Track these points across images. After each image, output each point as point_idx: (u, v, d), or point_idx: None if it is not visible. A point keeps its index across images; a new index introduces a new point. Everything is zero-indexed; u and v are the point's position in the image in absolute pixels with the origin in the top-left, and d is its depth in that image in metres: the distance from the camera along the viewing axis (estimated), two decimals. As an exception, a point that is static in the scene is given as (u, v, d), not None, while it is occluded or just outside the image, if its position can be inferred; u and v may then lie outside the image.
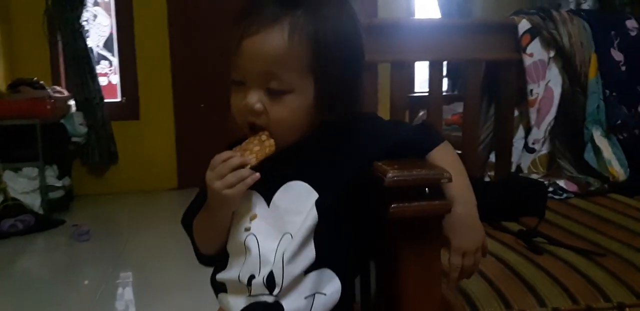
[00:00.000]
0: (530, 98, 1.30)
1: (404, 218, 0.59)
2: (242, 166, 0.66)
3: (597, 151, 1.24)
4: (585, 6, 2.35)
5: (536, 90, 1.29)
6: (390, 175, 0.57)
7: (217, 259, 0.73)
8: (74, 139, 3.04)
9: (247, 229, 0.69)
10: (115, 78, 3.44)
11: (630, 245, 0.95)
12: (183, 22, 3.28)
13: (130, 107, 3.32)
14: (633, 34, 1.28)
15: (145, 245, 2.41)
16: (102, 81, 3.32)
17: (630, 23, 1.29)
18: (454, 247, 0.65)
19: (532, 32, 1.25)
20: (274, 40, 0.64)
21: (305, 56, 0.65)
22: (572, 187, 1.24)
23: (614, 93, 1.24)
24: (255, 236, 0.68)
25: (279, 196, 0.69)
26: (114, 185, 3.27)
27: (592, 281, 0.82)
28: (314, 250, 0.66)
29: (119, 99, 3.38)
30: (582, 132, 1.26)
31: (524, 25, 1.25)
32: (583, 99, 1.26)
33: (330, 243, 0.66)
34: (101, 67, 3.40)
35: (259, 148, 0.68)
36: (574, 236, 1.01)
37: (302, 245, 0.65)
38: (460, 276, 0.68)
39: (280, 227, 0.68)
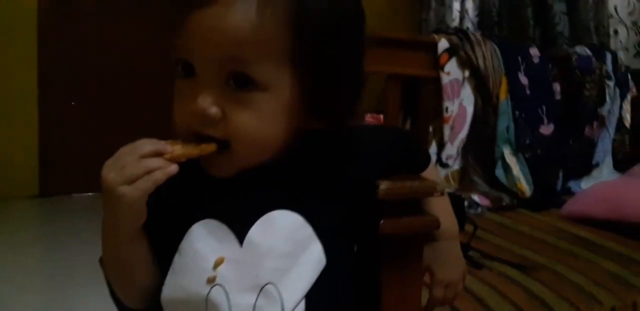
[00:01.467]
0: (445, 115, 1.33)
1: (393, 235, 0.53)
2: (157, 156, 0.46)
3: (506, 168, 1.31)
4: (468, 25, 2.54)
5: (451, 107, 1.33)
6: (383, 186, 0.51)
7: None
8: None
9: (211, 280, 0.48)
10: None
11: (555, 258, 0.98)
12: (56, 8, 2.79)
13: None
14: (536, 61, 1.37)
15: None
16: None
17: (533, 51, 1.39)
18: (437, 279, 0.59)
19: (450, 52, 1.29)
20: (237, 11, 0.45)
21: (282, 39, 0.46)
22: (485, 202, 1.28)
23: (522, 115, 1.31)
24: (223, 288, 0.48)
25: (257, 231, 0.49)
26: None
27: (534, 295, 0.84)
28: (304, 306, 0.48)
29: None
30: (493, 149, 1.31)
31: (443, 44, 1.28)
32: (494, 119, 1.32)
33: (331, 299, 0.50)
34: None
35: (195, 144, 0.48)
36: (501, 250, 1.03)
37: (292, 300, 0.48)
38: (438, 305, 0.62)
39: (259, 274, 0.48)
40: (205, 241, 0.50)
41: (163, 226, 0.51)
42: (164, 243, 0.52)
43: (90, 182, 2.77)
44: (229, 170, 0.50)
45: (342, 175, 0.53)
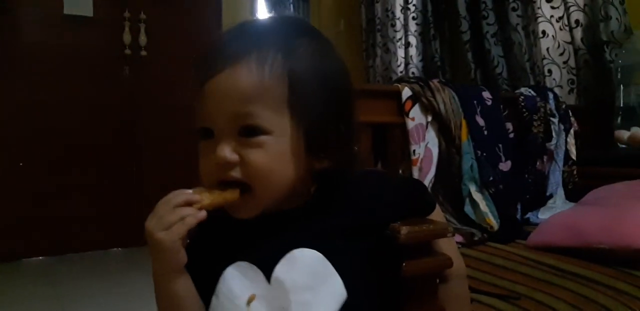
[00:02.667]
0: (413, 157, 1.41)
1: (414, 275, 0.58)
2: (188, 205, 0.56)
3: (474, 205, 1.39)
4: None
5: (418, 150, 1.41)
6: (404, 231, 0.56)
7: None
8: None
9: None
10: None
11: (532, 287, 1.05)
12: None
13: None
14: (489, 103, 1.50)
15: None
16: None
17: (486, 94, 1.51)
18: None
19: (413, 99, 1.39)
20: (242, 74, 0.56)
21: (280, 90, 0.56)
22: (459, 238, 1.35)
23: (484, 154, 1.41)
24: None
25: (282, 268, 0.57)
26: None
27: (524, 324, 0.90)
28: None
29: None
30: (460, 188, 1.40)
31: (406, 92, 1.38)
32: (458, 159, 1.41)
33: None
34: None
35: (219, 191, 0.57)
36: (482, 283, 1.09)
37: None
38: None
39: (286, 307, 0.55)
40: (238, 281, 0.57)
41: (201, 271, 0.59)
42: (204, 286, 0.59)
43: (40, 245, 2.66)
44: (252, 210, 0.59)
45: (361, 213, 0.61)
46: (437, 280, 0.61)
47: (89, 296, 2.08)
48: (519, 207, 1.59)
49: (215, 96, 0.56)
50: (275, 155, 0.56)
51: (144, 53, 2.86)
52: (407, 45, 2.79)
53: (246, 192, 0.57)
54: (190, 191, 0.57)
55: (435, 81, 1.43)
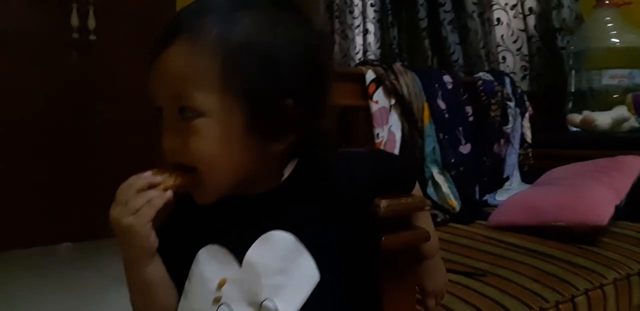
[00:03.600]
0: (377, 141, 1.42)
1: (393, 249, 0.58)
2: (151, 187, 0.54)
3: (436, 186, 1.41)
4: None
5: (381, 133, 1.42)
6: (384, 204, 0.56)
7: None
8: None
9: (217, 300, 0.55)
10: None
11: (496, 264, 1.08)
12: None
13: None
14: (449, 87, 1.52)
15: None
16: None
17: (447, 78, 1.53)
18: (428, 291, 0.67)
19: (377, 82, 1.39)
20: (173, 55, 0.54)
21: (212, 69, 0.53)
22: (422, 220, 1.37)
23: (446, 136, 1.43)
24: (228, 306, 0.54)
25: (255, 251, 0.55)
26: None
27: (490, 297, 0.92)
28: None
29: None
30: (423, 170, 1.42)
31: (370, 75, 1.38)
32: (421, 142, 1.43)
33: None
34: None
35: (179, 172, 0.55)
36: (448, 261, 1.11)
37: None
38: None
39: (257, 291, 0.54)
40: (209, 265, 0.56)
41: (174, 255, 0.58)
42: (177, 270, 0.58)
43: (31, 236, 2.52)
44: (208, 196, 0.57)
45: (335, 197, 0.58)
46: (415, 253, 0.62)
47: (38, 293, 1.99)
48: (477, 189, 1.62)
49: (157, 77, 0.55)
50: (214, 140, 0.54)
51: (93, 37, 2.74)
52: (366, 32, 2.80)
53: (198, 177, 0.55)
54: (149, 173, 0.55)
55: (398, 64, 1.43)
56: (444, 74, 1.53)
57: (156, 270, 0.56)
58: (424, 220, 0.65)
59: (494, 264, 1.09)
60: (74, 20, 2.69)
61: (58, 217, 2.65)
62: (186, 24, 0.54)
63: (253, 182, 0.58)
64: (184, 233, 0.59)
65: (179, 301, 0.58)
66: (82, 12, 2.71)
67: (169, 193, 0.53)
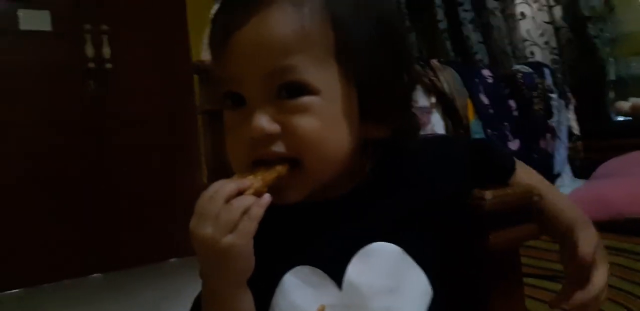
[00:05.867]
0: (420, 143, 1.34)
1: (500, 249, 0.50)
2: (240, 194, 0.43)
3: (490, 186, 1.32)
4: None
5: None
6: (489, 195, 0.48)
7: None
8: None
9: None
10: None
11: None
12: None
13: None
14: (490, 81, 1.43)
15: None
16: None
17: (486, 72, 1.45)
18: (584, 253, 0.51)
19: (415, 80, 1.31)
20: (277, 19, 0.44)
21: (325, 37, 0.45)
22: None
23: (494, 133, 1.34)
24: None
25: (356, 270, 0.46)
26: None
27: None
28: None
29: None
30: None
31: (407, 73, 1.31)
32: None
33: None
34: None
35: (266, 172, 0.45)
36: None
37: None
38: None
39: None
40: (301, 291, 0.46)
41: (252, 283, 0.46)
42: (255, 300, 0.46)
43: (13, 277, 2.47)
44: (302, 190, 0.47)
45: (426, 192, 0.49)
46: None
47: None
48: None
49: (244, 50, 0.45)
50: (327, 121, 0.45)
51: (109, 65, 2.72)
52: (382, 39, 2.74)
53: (294, 168, 0.46)
54: (235, 179, 0.45)
55: (435, 60, 1.36)
56: (482, 68, 1.46)
57: (248, 302, 0.45)
58: (529, 175, 0.56)
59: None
60: (89, 50, 2.67)
61: (85, 248, 2.59)
62: None
63: (339, 179, 0.48)
64: (258, 253, 0.45)
65: None
66: (96, 42, 2.69)
67: (267, 198, 0.43)
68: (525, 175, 0.57)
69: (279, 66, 0.44)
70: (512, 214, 0.50)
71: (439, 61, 1.37)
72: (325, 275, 0.46)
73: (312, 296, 0.46)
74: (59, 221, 2.56)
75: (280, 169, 0.45)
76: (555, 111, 1.60)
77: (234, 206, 0.41)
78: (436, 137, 0.60)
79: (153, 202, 2.69)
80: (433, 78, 1.31)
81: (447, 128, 1.36)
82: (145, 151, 2.76)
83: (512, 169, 0.57)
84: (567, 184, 1.60)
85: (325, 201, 0.48)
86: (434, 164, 0.51)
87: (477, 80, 1.40)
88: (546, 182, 0.58)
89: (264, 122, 0.45)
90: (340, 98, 0.46)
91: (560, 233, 0.54)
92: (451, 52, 2.50)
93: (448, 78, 1.33)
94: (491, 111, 1.39)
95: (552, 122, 1.60)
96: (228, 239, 0.41)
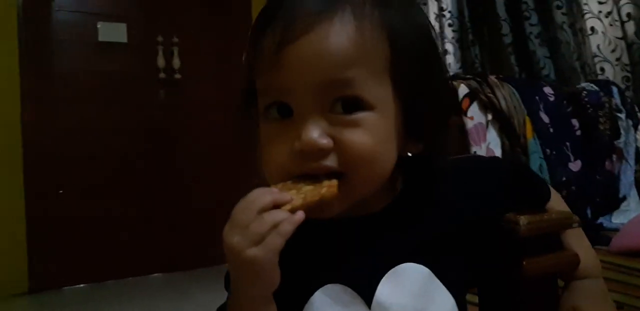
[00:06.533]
0: (475, 160, 1.32)
1: (534, 276, 0.49)
2: (277, 207, 0.42)
3: (547, 208, 1.27)
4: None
5: (479, 152, 1.31)
6: (524, 221, 0.47)
7: None
8: None
9: None
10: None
11: (631, 295, 0.94)
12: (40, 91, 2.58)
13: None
14: (551, 99, 1.39)
15: None
16: None
17: (547, 89, 1.41)
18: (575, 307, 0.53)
19: (471, 96, 1.30)
20: (339, 32, 0.43)
21: (382, 51, 0.44)
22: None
23: (553, 152, 1.30)
24: None
25: (386, 289, 0.46)
26: None
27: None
28: None
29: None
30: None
31: (463, 89, 1.29)
32: (525, 159, 1.30)
33: None
34: None
35: (311, 187, 0.43)
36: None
37: None
38: None
39: None
40: (330, 309, 0.45)
41: (280, 298, 0.45)
42: None
43: (81, 272, 2.62)
44: (343, 205, 0.46)
45: (458, 213, 0.48)
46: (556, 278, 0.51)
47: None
48: (588, 210, 1.46)
49: (302, 60, 0.43)
50: (379, 137, 0.44)
51: (178, 76, 2.85)
52: (444, 52, 2.71)
53: (339, 182, 0.45)
54: (276, 189, 0.44)
55: (493, 77, 1.34)
56: (544, 86, 1.42)
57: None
58: (573, 239, 0.53)
59: (629, 294, 0.94)
60: (160, 62, 2.81)
61: (150, 248, 2.71)
62: None
63: (371, 196, 0.47)
64: (289, 269, 0.44)
65: None
66: (167, 53, 2.83)
67: (300, 215, 0.41)
68: (556, 204, 0.55)
69: (337, 78, 0.43)
70: (548, 240, 0.48)
71: (497, 77, 1.34)
72: (355, 294, 0.46)
73: None
74: (130, 222, 2.70)
75: (326, 190, 0.44)
76: (622, 131, 1.53)
77: (265, 219, 0.41)
78: (468, 158, 0.59)
79: (220, 208, 2.77)
80: (490, 95, 1.29)
81: (503, 146, 1.33)
82: (211, 158, 2.86)
83: (548, 197, 0.56)
84: (633, 208, 1.52)
85: (360, 217, 0.48)
86: (469, 186, 0.50)
87: (537, 97, 1.36)
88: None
89: (317, 135, 0.43)
90: (391, 115, 0.45)
91: (570, 277, 0.53)
92: (516, 67, 2.45)
93: (506, 95, 1.30)
94: (551, 130, 1.35)
95: (619, 142, 1.53)
96: (252, 251, 0.40)
